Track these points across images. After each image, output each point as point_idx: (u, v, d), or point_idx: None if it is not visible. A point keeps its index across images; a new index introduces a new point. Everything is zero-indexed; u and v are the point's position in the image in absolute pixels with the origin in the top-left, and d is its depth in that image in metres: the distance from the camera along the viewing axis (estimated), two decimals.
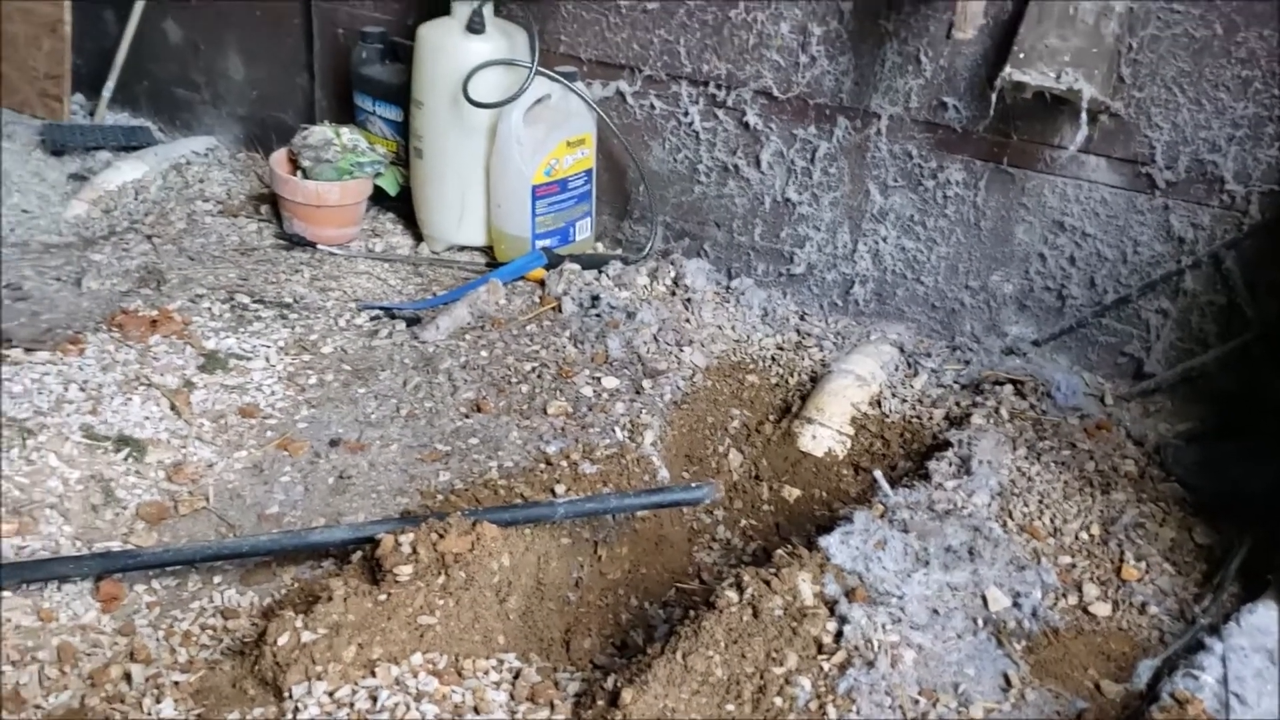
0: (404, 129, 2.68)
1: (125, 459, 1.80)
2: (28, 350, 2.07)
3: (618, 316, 2.29)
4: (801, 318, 2.43)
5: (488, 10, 2.41)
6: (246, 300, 2.38)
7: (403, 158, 2.73)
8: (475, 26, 2.40)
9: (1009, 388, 2.09)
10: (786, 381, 2.26)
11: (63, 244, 2.71)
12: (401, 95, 2.65)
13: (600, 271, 2.43)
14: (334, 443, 1.94)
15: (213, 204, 2.90)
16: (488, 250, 2.65)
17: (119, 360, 2.08)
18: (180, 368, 2.09)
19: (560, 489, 1.77)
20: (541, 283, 2.45)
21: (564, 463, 1.85)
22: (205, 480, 1.81)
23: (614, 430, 1.96)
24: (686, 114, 2.42)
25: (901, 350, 2.28)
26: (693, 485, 1.79)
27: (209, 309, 2.32)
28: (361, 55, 2.73)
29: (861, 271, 2.36)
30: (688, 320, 2.33)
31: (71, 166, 3.07)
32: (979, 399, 2.08)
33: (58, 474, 1.72)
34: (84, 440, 1.80)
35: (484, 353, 2.23)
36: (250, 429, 1.96)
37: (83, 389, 1.96)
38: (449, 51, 2.44)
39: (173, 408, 1.96)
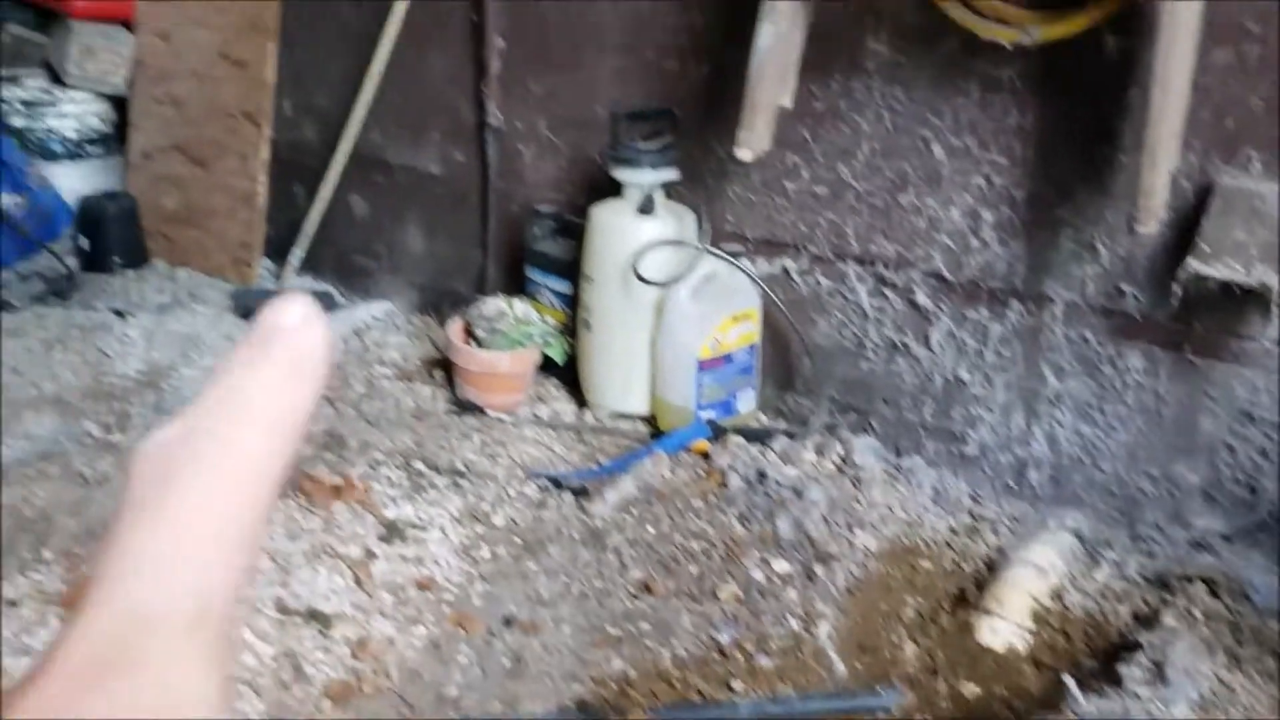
0: (572, 301, 2.78)
1: (314, 633, 1.86)
2: None
3: (785, 494, 2.29)
4: (974, 500, 2.38)
5: (658, 194, 2.50)
6: (422, 467, 2.46)
7: (570, 328, 2.82)
8: (646, 209, 2.49)
9: (1200, 585, 2.00)
10: (961, 568, 2.21)
11: None
12: (571, 269, 2.76)
13: (765, 445, 2.44)
14: (508, 621, 1.97)
15: (390, 368, 3.03)
16: (650, 419, 2.70)
17: (306, 528, 2.17)
18: (362, 537, 2.17)
19: (737, 684, 1.76)
20: (706, 455, 2.47)
21: (738, 654, 1.83)
22: (387, 658, 1.85)
23: (787, 619, 1.95)
24: (854, 292, 2.45)
25: (1080, 539, 2.21)
26: (878, 690, 1.75)
27: (387, 476, 2.41)
28: (535, 232, 2.86)
29: (1036, 455, 2.32)
30: (857, 500, 2.31)
31: None
32: (1168, 596, 1.99)
33: (253, 649, 1.79)
34: (277, 614, 1.87)
35: (651, 529, 2.25)
36: (428, 603, 2.01)
37: (273, 559, 2.04)
38: (620, 231, 2.53)
39: (356, 580, 2.02)
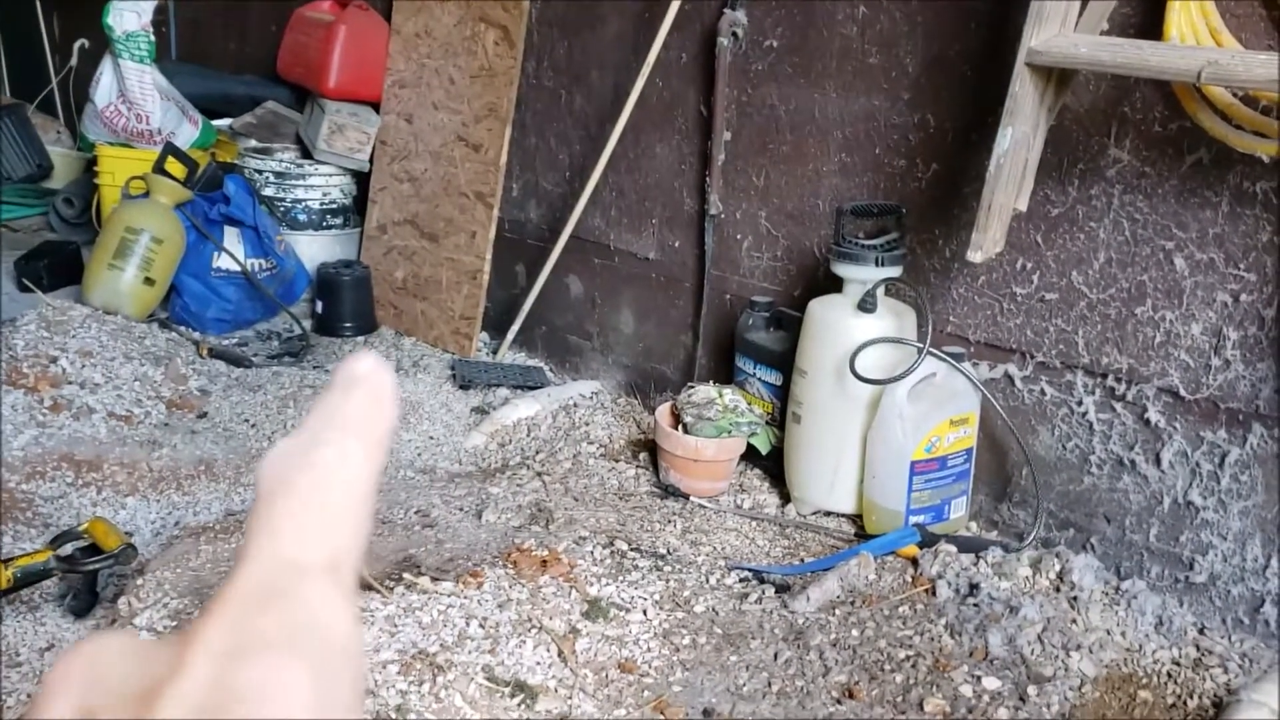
0: (782, 392, 2.78)
1: (519, 705, 1.89)
2: (434, 579, 2.24)
3: (998, 609, 2.20)
4: (1201, 631, 2.24)
5: (880, 291, 2.49)
6: (625, 547, 2.49)
7: (777, 419, 2.82)
8: (867, 306, 2.48)
9: None
10: (1185, 704, 2.07)
11: (464, 474, 2.97)
12: (783, 361, 2.76)
13: (979, 557, 2.36)
14: (707, 713, 1.95)
15: (596, 446, 3.09)
16: (856, 519, 2.65)
17: (513, 598, 2.21)
18: (566, 612, 2.20)
19: None
20: (914, 561, 2.41)
21: None
22: None
23: None
24: (1080, 403, 2.36)
25: None
26: None
27: (591, 553, 2.44)
28: (748, 322, 2.88)
29: (1274, 590, 2.17)
30: (1074, 621, 2.21)
31: (474, 400, 3.39)
32: None
33: (461, 714, 1.83)
34: (485, 682, 1.91)
35: (855, 632, 2.20)
36: (629, 685, 2.01)
37: (482, 626, 2.09)
38: (838, 327, 2.53)
39: (560, 655, 2.05)
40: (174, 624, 2.04)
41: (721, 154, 2.97)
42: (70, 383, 3.00)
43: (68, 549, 2.16)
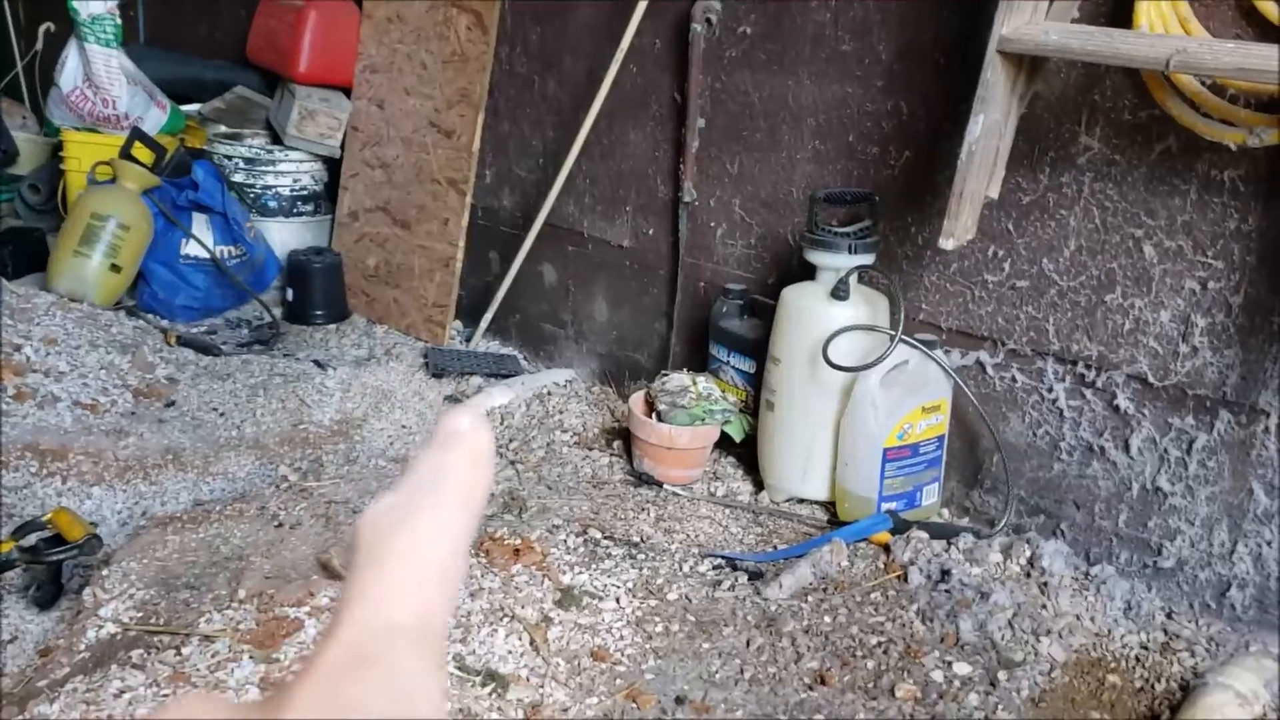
0: (755, 380, 2.79)
1: (490, 694, 1.88)
2: None
3: (969, 595, 2.21)
4: (1169, 616, 2.26)
5: (853, 279, 2.49)
6: (598, 535, 2.48)
7: (751, 407, 2.82)
8: (840, 293, 2.48)
9: None
10: (1152, 687, 2.09)
11: None
12: (756, 349, 2.76)
13: (950, 543, 2.37)
14: (679, 700, 1.95)
15: (570, 435, 3.08)
16: (828, 506, 2.66)
17: (485, 587, 2.20)
18: (539, 601, 2.19)
19: None
20: (886, 548, 2.42)
21: None
22: None
23: None
24: (1051, 390, 2.37)
25: None
26: None
27: (564, 541, 2.44)
28: (722, 309, 2.88)
29: (1240, 574, 2.19)
30: (1044, 606, 2.22)
31: (447, 389, 3.37)
32: None
33: None
34: (456, 671, 1.90)
35: (827, 618, 2.20)
36: (601, 674, 2.01)
37: (453, 615, 2.08)
38: (811, 314, 2.52)
39: (532, 643, 2.05)
40: (139, 615, 2.02)
41: (695, 141, 2.96)
42: (34, 371, 2.96)
43: (31, 540, 2.13)
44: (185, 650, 1.89)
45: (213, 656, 1.88)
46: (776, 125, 2.80)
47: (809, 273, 2.58)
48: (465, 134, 3.55)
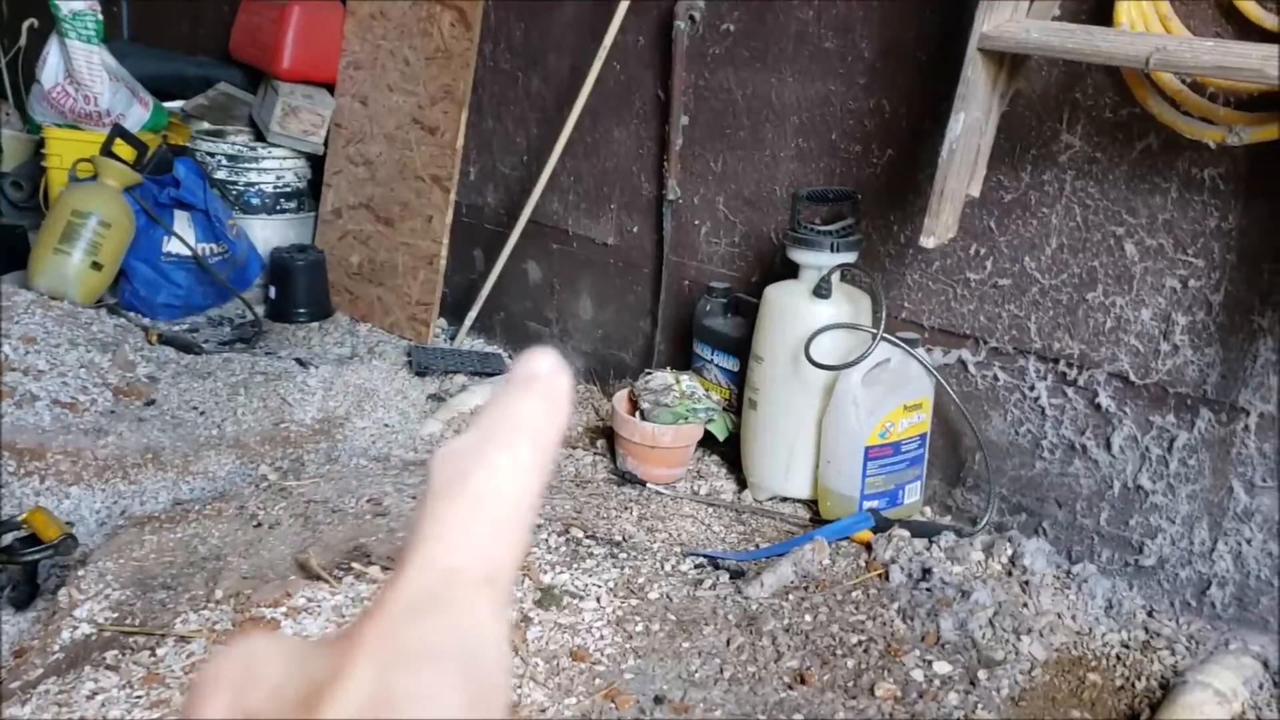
0: (739, 379, 2.78)
1: None
2: (384, 569, 2.22)
3: (950, 593, 2.21)
4: (1149, 614, 2.26)
5: (835, 277, 2.48)
6: (580, 535, 2.47)
7: (734, 406, 2.81)
8: (822, 292, 2.47)
9: None
10: (1133, 685, 2.09)
11: (418, 461, 2.94)
12: (740, 347, 2.76)
13: (931, 541, 2.37)
14: (659, 700, 1.94)
15: None
16: (811, 504, 2.65)
17: None
18: (519, 600, 2.18)
19: None
20: (868, 546, 2.41)
21: None
22: None
23: None
24: (1033, 389, 2.37)
25: (1266, 665, 2.06)
26: None
27: (546, 540, 2.42)
28: (706, 308, 2.87)
29: (1220, 572, 2.19)
30: (1025, 605, 2.22)
31: (431, 387, 3.35)
32: None
33: None
34: None
35: (808, 617, 2.20)
36: (580, 674, 2.00)
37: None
38: (794, 313, 2.52)
39: (511, 643, 2.03)
40: (115, 615, 2.01)
41: (679, 139, 2.95)
42: (13, 369, 2.94)
43: (7, 539, 2.11)
44: (160, 651, 1.87)
45: (188, 657, 1.87)
46: (760, 123, 2.79)
47: (792, 271, 2.58)
48: (449, 131, 3.53)
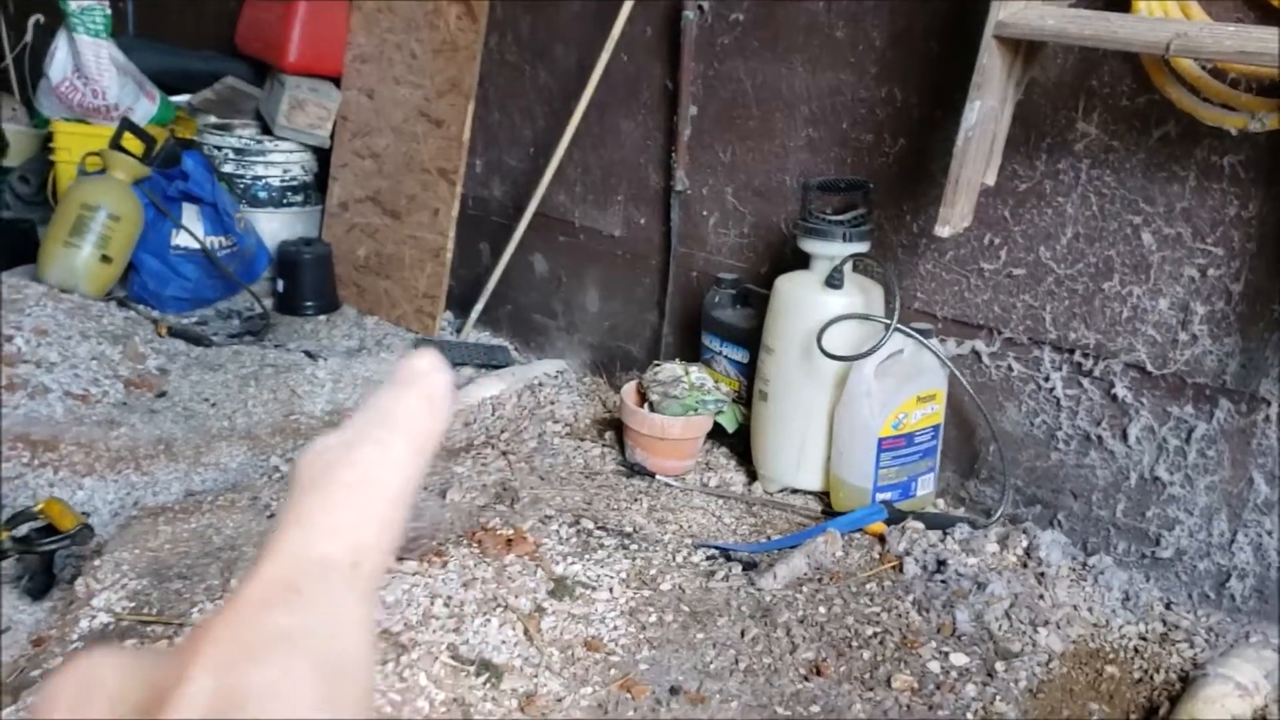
0: (748, 370, 2.77)
1: (484, 684, 1.86)
2: (398, 559, 2.21)
3: (965, 585, 2.20)
4: (1167, 606, 2.24)
5: (847, 267, 2.47)
6: (591, 526, 2.46)
7: (744, 397, 2.80)
8: (834, 282, 2.46)
9: None
10: (1151, 678, 2.07)
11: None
12: (750, 339, 2.75)
13: (946, 533, 2.36)
14: (674, 690, 1.93)
15: (561, 425, 3.06)
16: (823, 496, 2.64)
17: (478, 577, 2.18)
18: (532, 590, 2.17)
19: None
20: (881, 538, 2.40)
21: None
22: (554, 715, 1.84)
23: (965, 716, 1.86)
24: (1048, 379, 2.36)
25: None
26: None
27: (557, 531, 2.42)
28: (715, 299, 2.86)
29: (1240, 564, 2.17)
30: (1041, 597, 2.20)
31: None
32: None
33: (425, 694, 1.80)
34: (450, 661, 1.88)
35: (822, 609, 2.19)
36: (595, 664, 1.99)
37: (447, 605, 2.06)
38: (805, 303, 2.51)
39: (526, 633, 2.03)
40: (132, 605, 2.00)
41: (688, 129, 2.93)
42: (25, 361, 2.93)
43: (23, 530, 2.11)
44: (178, 640, 1.86)
45: None
46: (769, 113, 2.78)
47: (803, 261, 2.56)
48: (455, 123, 3.52)
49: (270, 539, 0.33)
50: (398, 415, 0.37)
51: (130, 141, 3.61)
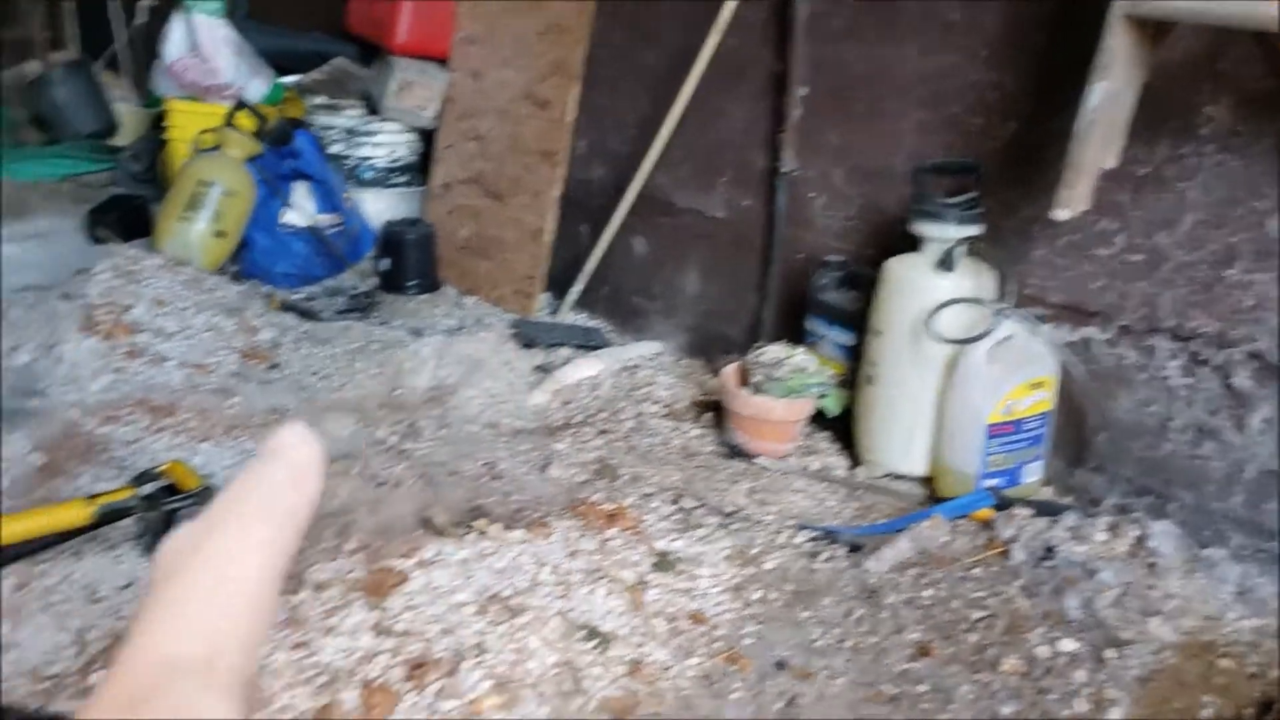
0: (854, 354, 2.76)
1: (592, 649, 1.89)
2: (506, 528, 2.25)
3: (1074, 573, 2.17)
4: None
5: (959, 250, 2.45)
6: (691, 505, 2.48)
7: (848, 381, 2.79)
8: (947, 265, 2.44)
9: None
10: (1266, 673, 2.03)
11: (527, 430, 2.97)
12: (856, 321, 2.74)
13: (1054, 520, 2.33)
14: (780, 665, 1.94)
15: (659, 406, 3.08)
16: (926, 481, 2.63)
17: (582, 549, 2.21)
18: (635, 564, 2.19)
19: None
20: (987, 524, 2.38)
21: None
22: (661, 683, 1.86)
23: (1073, 701, 1.84)
24: (1163, 368, 2.31)
25: None
26: None
27: (657, 509, 2.44)
28: (821, 281, 2.85)
29: None
30: (1152, 587, 2.17)
31: (536, 359, 3.38)
32: None
33: (537, 656, 1.83)
34: (560, 626, 1.92)
35: (928, 592, 2.18)
36: (699, 636, 2.01)
37: (554, 572, 2.10)
38: (916, 286, 2.49)
39: (631, 604, 2.05)
40: None
41: (797, 110, 2.93)
42: (145, 330, 3.04)
43: (147, 489, 2.18)
44: (297, 598, 1.92)
45: (324, 604, 1.91)
46: (880, 95, 2.76)
47: (911, 245, 2.55)
48: (560, 106, 3.56)
49: (122, 644, 0.32)
50: (257, 494, 0.36)
51: (244, 119, 3.71)
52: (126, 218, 3.99)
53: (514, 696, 1.74)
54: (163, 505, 2.13)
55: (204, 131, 3.70)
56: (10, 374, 2.87)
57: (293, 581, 1.97)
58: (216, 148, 3.64)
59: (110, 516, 2.10)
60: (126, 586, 2.16)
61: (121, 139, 5.06)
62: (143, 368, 2.92)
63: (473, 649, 1.83)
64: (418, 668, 1.77)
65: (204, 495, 2.19)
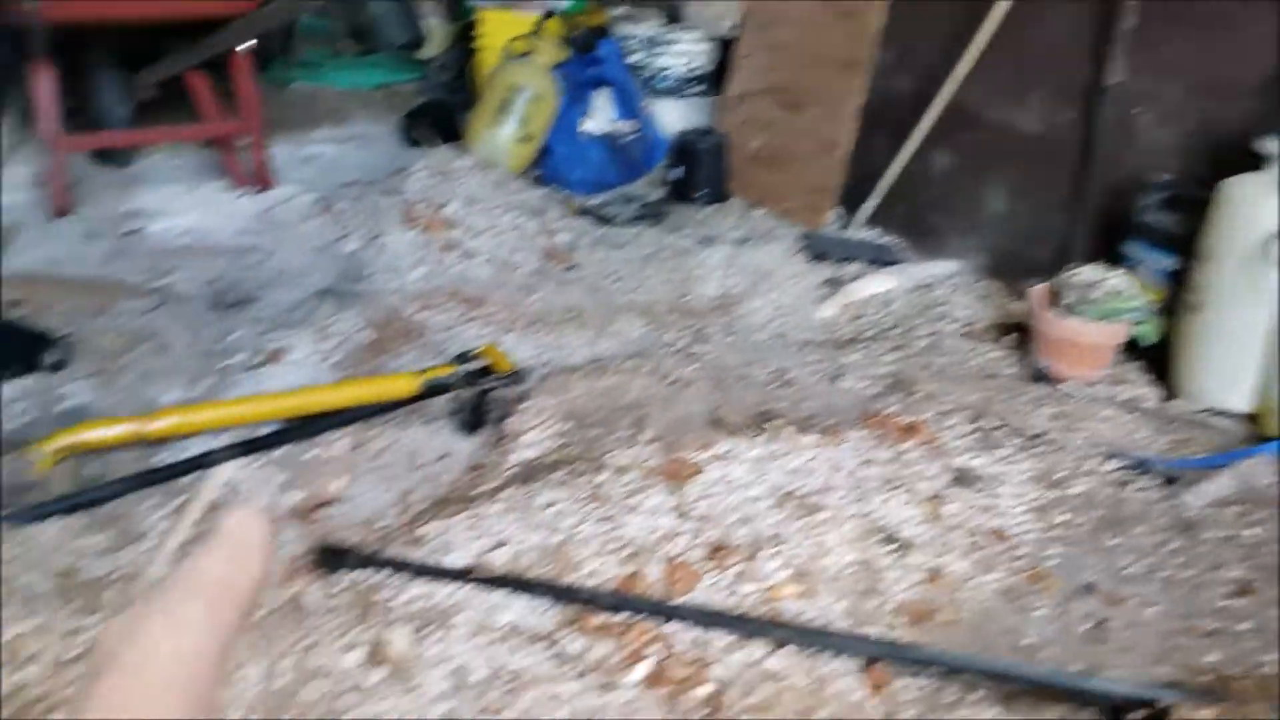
0: (1175, 280, 2.57)
1: (890, 553, 1.87)
2: (799, 431, 2.25)
3: None
4: None
5: None
6: (991, 425, 2.40)
7: (1167, 309, 2.61)
8: None
9: None
10: None
11: (816, 342, 2.95)
12: (1180, 245, 2.55)
13: None
14: (1088, 588, 1.86)
15: (957, 325, 2.99)
16: (1251, 419, 2.43)
17: (875, 459, 2.18)
18: (932, 478, 2.15)
19: None
20: None
21: None
22: (960, 594, 1.82)
23: None
24: None
25: None
26: None
27: (955, 427, 2.37)
28: (1145, 202, 2.67)
29: None
30: None
31: (825, 273, 3.35)
32: None
33: (834, 553, 1.84)
34: (856, 527, 1.91)
35: (1251, 531, 2.03)
36: (1000, 553, 1.95)
37: (850, 477, 2.08)
38: (1257, 209, 2.29)
39: (928, 515, 2.01)
40: (560, 443, 2.16)
41: (1133, 19, 2.72)
42: (457, 226, 3.20)
43: (468, 367, 2.31)
44: (599, 478, 2.00)
45: (625, 485, 1.98)
46: (1228, 1, 2.52)
47: (1253, 165, 2.34)
48: (865, 14, 3.46)
49: None
50: (195, 578, 0.37)
51: (553, 26, 3.81)
52: (439, 123, 4.20)
53: (811, 588, 1.75)
54: (484, 383, 2.26)
55: (515, 39, 3.83)
56: (340, 260, 3.10)
57: (592, 464, 2.04)
58: (526, 54, 3.77)
59: (435, 390, 2.24)
60: (442, 458, 2.31)
61: (428, 51, 5.32)
62: (456, 261, 3.08)
63: (770, 539, 1.85)
64: (718, 550, 1.81)
65: (515, 378, 2.30)
